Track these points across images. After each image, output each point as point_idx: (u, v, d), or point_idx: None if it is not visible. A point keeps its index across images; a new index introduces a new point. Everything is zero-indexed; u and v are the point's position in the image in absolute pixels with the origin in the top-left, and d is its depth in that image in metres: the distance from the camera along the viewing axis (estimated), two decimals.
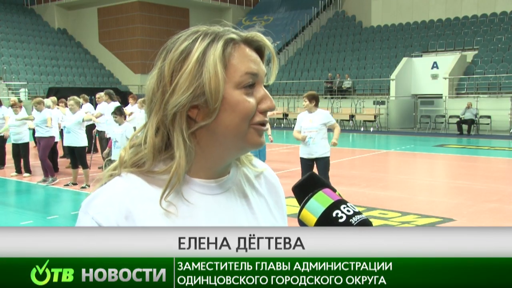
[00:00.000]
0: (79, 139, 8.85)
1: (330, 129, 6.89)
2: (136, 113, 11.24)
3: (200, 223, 0.92)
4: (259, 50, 0.96)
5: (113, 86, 29.04)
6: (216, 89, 0.88)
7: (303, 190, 0.86)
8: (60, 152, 12.11)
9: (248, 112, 0.90)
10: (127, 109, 11.71)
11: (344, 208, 0.82)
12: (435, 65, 22.66)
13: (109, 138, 9.64)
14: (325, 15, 31.88)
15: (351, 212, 0.81)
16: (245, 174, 1.04)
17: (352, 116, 23.00)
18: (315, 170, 6.45)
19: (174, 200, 0.91)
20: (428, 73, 22.78)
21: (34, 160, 10.80)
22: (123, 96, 20.11)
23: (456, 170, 11.51)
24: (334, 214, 0.81)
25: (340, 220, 0.80)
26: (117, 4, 32.61)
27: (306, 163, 6.73)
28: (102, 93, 11.58)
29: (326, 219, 0.81)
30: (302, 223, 0.84)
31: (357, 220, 0.80)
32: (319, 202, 0.82)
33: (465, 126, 19.58)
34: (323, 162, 6.67)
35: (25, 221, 6.89)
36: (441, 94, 21.79)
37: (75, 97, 9.21)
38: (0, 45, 28.78)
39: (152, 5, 32.15)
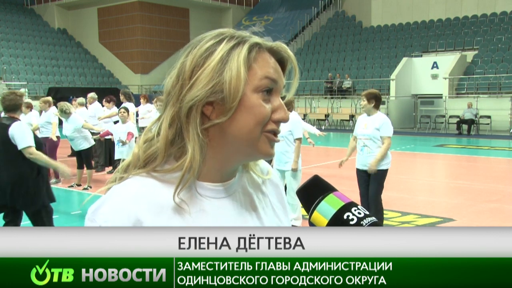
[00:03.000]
0: (85, 141, 8.75)
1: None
2: (153, 112, 11.19)
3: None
4: (281, 62, 0.97)
5: (113, 86, 29.10)
6: (236, 88, 0.88)
7: (308, 194, 0.86)
8: (63, 152, 12.12)
9: (263, 117, 0.90)
10: (139, 109, 11.71)
11: (355, 210, 0.81)
12: (435, 65, 22.66)
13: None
14: (325, 15, 31.89)
15: (362, 215, 0.81)
16: (251, 178, 1.04)
17: (352, 116, 22.99)
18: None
19: (182, 203, 0.91)
20: (428, 73, 22.78)
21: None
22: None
23: (456, 170, 11.51)
24: (345, 217, 0.81)
25: (351, 223, 0.80)
26: (117, 4, 32.61)
27: (361, 175, 5.75)
28: (92, 94, 11.47)
29: (337, 222, 0.81)
30: (313, 226, 0.83)
31: (368, 222, 0.80)
32: (330, 205, 0.82)
33: (465, 126, 19.59)
34: (378, 176, 5.59)
35: (25, 221, 6.88)
36: (441, 94, 21.79)
37: (65, 104, 8.90)
38: (0, 45, 28.79)
39: (152, 5, 32.14)
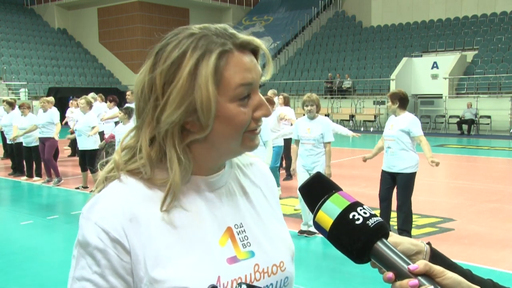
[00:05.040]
0: (91, 142, 8.64)
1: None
2: None
3: (204, 219, 0.92)
4: (254, 50, 0.93)
5: (113, 86, 29.09)
6: (208, 108, 0.86)
7: (310, 191, 0.85)
8: (65, 152, 12.12)
9: (243, 124, 0.90)
10: None
11: (360, 210, 0.80)
12: (435, 65, 22.64)
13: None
14: (325, 15, 31.86)
15: (368, 214, 0.80)
16: (239, 167, 1.05)
17: (352, 116, 23.00)
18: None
19: (175, 202, 0.91)
20: (428, 73, 22.77)
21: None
22: (123, 96, 19.99)
23: (456, 170, 11.51)
24: (350, 216, 0.79)
25: (357, 222, 0.79)
26: (117, 4, 32.59)
27: (385, 177, 5.68)
28: (92, 94, 11.40)
29: (343, 221, 0.79)
30: (317, 225, 0.82)
31: (374, 222, 0.79)
32: (335, 204, 0.81)
33: (465, 126, 19.58)
34: (404, 179, 5.50)
35: (25, 221, 6.89)
36: (441, 94, 21.78)
37: (86, 97, 8.98)
38: (0, 45, 28.76)
39: (152, 5, 32.13)
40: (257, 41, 0.93)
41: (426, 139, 5.50)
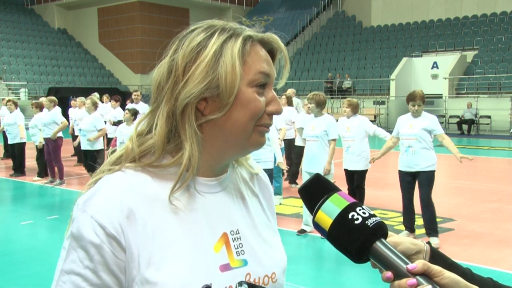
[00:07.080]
0: (95, 142, 8.60)
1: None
2: None
3: (200, 221, 0.91)
4: (271, 52, 0.96)
5: (113, 86, 29.08)
6: (232, 84, 0.87)
7: (310, 193, 0.86)
8: (67, 151, 12.11)
9: (258, 111, 0.90)
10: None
11: (359, 210, 0.81)
12: (435, 65, 22.65)
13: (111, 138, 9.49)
14: (325, 15, 31.88)
15: (367, 214, 0.80)
16: (240, 174, 1.04)
17: None
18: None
19: (178, 196, 0.90)
20: (428, 73, 22.77)
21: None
22: (123, 96, 20.00)
23: (456, 170, 11.49)
24: (350, 216, 0.80)
25: (356, 222, 0.79)
26: (117, 4, 32.60)
27: (405, 179, 5.67)
28: (95, 93, 11.40)
29: (342, 221, 0.80)
30: (317, 225, 0.83)
31: (373, 222, 0.80)
32: (334, 204, 0.81)
33: (465, 126, 19.58)
34: (426, 177, 5.48)
35: (25, 221, 6.89)
36: (441, 94, 21.78)
37: (92, 97, 8.94)
38: (0, 45, 28.76)
39: (152, 5, 32.13)
40: (276, 38, 0.96)
41: (448, 136, 5.56)
